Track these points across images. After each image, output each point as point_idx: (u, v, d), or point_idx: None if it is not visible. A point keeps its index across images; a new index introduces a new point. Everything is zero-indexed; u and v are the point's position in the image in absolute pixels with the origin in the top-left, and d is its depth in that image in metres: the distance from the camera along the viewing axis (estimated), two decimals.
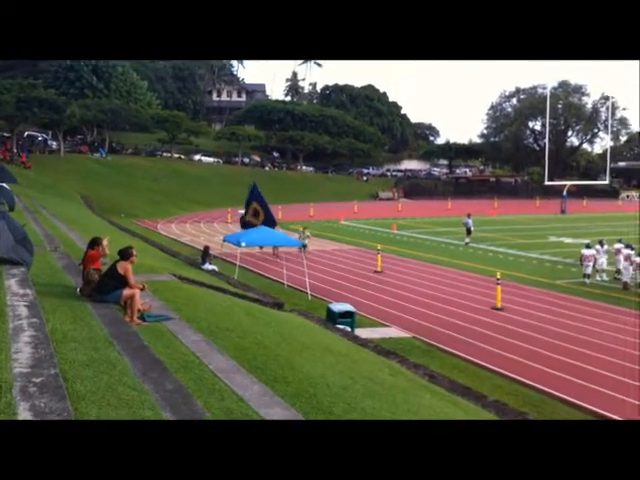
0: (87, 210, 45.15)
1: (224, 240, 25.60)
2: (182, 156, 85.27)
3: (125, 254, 10.02)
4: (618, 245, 25.33)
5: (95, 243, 11.22)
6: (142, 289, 10.03)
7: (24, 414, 4.82)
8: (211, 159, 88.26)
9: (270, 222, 28.69)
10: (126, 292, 9.55)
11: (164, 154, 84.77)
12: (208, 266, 23.23)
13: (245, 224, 30.23)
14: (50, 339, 7.12)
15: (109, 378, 6.21)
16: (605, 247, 25.44)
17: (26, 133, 74.46)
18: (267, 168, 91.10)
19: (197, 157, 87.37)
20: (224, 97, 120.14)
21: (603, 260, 25.28)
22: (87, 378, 6.10)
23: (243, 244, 23.26)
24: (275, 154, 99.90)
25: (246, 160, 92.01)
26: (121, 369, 6.60)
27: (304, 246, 29.29)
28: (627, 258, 23.87)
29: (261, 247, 30.06)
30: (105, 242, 11.46)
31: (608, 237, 28.81)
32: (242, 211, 46.66)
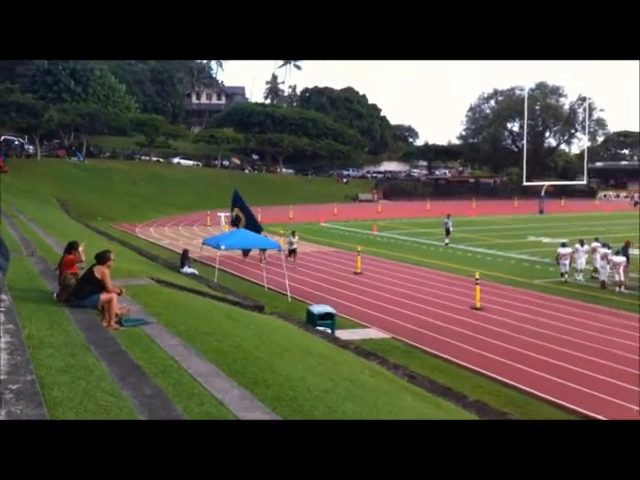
0: (64, 214, 44.76)
1: (203, 243, 25.48)
2: (161, 159, 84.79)
3: (102, 258, 9.92)
4: (595, 244, 25.62)
5: (72, 247, 11.13)
6: (120, 293, 9.94)
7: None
8: (190, 162, 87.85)
9: (253, 228, 28.03)
10: (103, 296, 9.45)
11: (142, 157, 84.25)
12: (187, 269, 23.12)
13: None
14: (26, 345, 7.03)
15: (86, 384, 6.14)
16: (585, 247, 25.65)
17: (2, 137, 73.63)
18: (247, 171, 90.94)
19: (176, 160, 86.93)
20: (203, 100, 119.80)
21: (582, 260, 25.50)
22: (64, 384, 6.02)
23: (223, 247, 23.17)
24: (255, 157, 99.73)
25: (225, 163, 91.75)
26: (98, 375, 6.53)
27: (293, 251, 29.14)
28: (604, 257, 24.11)
29: (245, 254, 29.85)
30: (81, 248, 11.37)
31: (586, 236, 29.11)
32: (225, 214, 46.82)
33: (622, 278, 23.10)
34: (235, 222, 30.03)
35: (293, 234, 30.20)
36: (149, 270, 18.55)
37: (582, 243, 25.82)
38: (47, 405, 5.32)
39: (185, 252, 24.65)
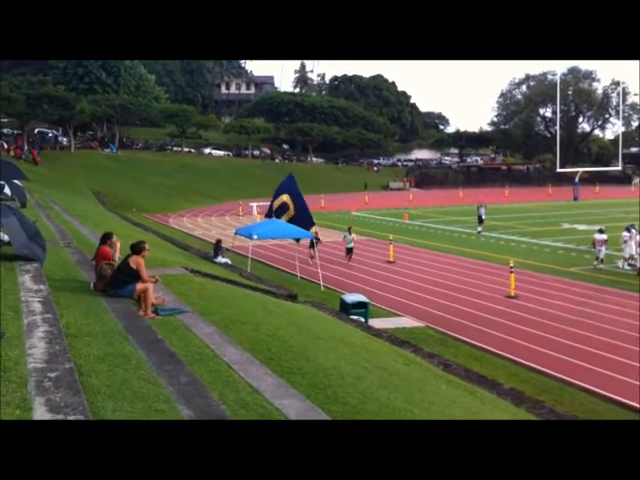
0: (99, 205, 45.30)
1: (236, 233, 25.58)
2: (192, 150, 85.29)
3: (137, 248, 10.02)
4: (632, 232, 25.14)
5: (107, 238, 11.25)
6: (155, 282, 10.04)
7: (39, 409, 4.82)
8: (221, 152, 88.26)
9: (303, 219, 24.93)
10: (139, 286, 9.56)
11: (174, 148, 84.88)
12: (221, 259, 23.24)
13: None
14: (64, 334, 7.14)
15: (124, 372, 6.22)
16: (634, 232, 25.02)
17: (36, 130, 74.72)
18: (277, 160, 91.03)
19: (207, 150, 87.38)
20: (233, 90, 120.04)
21: (630, 247, 24.81)
22: (102, 372, 6.11)
23: (255, 237, 23.23)
24: (285, 146, 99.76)
25: (256, 153, 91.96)
26: (136, 363, 6.61)
27: (350, 250, 26.77)
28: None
29: (312, 257, 25.67)
30: (117, 244, 11.47)
31: (621, 223, 28.61)
32: (256, 204, 47.12)
33: None
34: (279, 211, 25.78)
35: (350, 231, 27.29)
36: (183, 260, 18.70)
37: (629, 229, 25.23)
38: (86, 393, 5.40)
39: (218, 242, 24.76)
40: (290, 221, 24.77)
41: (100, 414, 5.05)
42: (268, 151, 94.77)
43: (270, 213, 26.36)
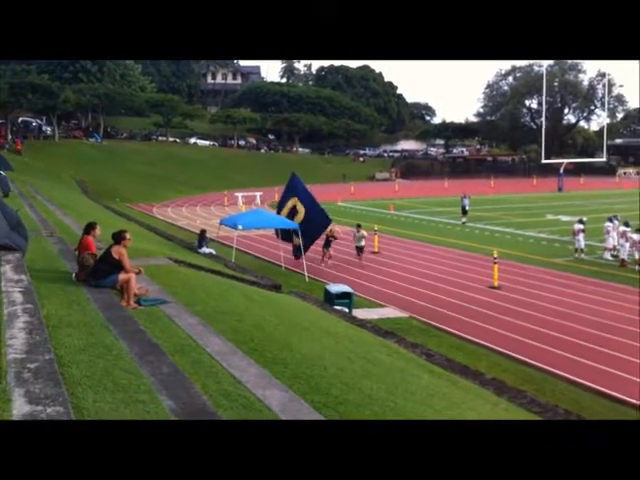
0: (82, 195, 45.00)
1: (221, 223, 25.52)
2: (177, 140, 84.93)
3: (119, 238, 9.96)
4: (613, 223, 25.36)
5: (90, 228, 11.17)
6: (138, 273, 9.98)
7: (19, 400, 4.78)
8: (207, 142, 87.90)
9: (317, 224, 23.02)
10: (122, 276, 9.50)
11: (159, 138, 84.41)
12: (205, 249, 23.18)
13: (283, 233, 24.45)
14: (45, 324, 7.08)
15: (105, 362, 6.19)
16: (616, 222, 25.21)
17: (20, 119, 74.00)
18: (263, 150, 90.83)
19: (193, 140, 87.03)
20: (219, 80, 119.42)
21: (615, 235, 25.01)
22: (83, 363, 6.07)
23: (240, 227, 23.18)
24: (271, 136, 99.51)
25: (242, 143, 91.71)
26: (117, 353, 6.58)
27: (361, 248, 24.42)
28: (623, 235, 23.89)
29: (327, 254, 24.32)
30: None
31: (605, 214, 28.82)
32: (242, 194, 47.18)
33: None
34: (288, 217, 23.82)
35: (359, 228, 25.12)
36: (167, 250, 18.63)
37: (611, 220, 25.43)
38: (66, 383, 5.37)
39: (202, 232, 24.69)
40: (303, 223, 23.00)
41: (80, 405, 5.03)
42: (254, 141, 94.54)
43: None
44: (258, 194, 47.95)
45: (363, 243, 24.56)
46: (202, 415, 5.26)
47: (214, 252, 23.11)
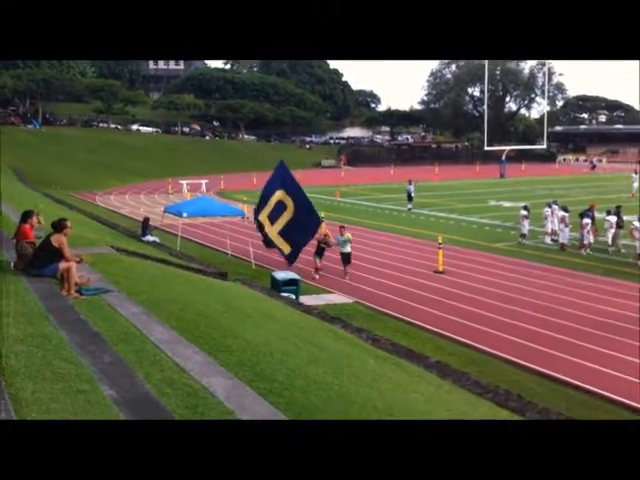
0: (19, 183, 43.77)
1: (165, 211, 25.18)
2: (119, 126, 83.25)
3: (58, 226, 9.75)
4: (553, 207, 25.99)
5: (28, 216, 10.90)
6: (79, 262, 9.79)
7: None
8: (150, 129, 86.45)
9: (307, 220, 20.02)
10: (62, 265, 9.30)
11: (100, 124, 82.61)
12: (149, 238, 22.84)
13: (265, 237, 21.03)
14: None
15: (44, 352, 6.06)
16: (555, 207, 25.82)
17: None
18: (207, 137, 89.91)
19: (135, 127, 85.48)
20: (161, 65, 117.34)
21: (555, 221, 25.64)
22: (21, 353, 5.93)
23: (185, 215, 22.94)
24: (215, 123, 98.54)
25: (186, 129, 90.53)
26: (57, 343, 6.44)
27: (347, 256, 19.96)
28: (562, 220, 24.50)
29: (320, 254, 20.30)
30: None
31: (545, 200, 29.49)
32: (187, 181, 46.52)
33: (591, 240, 23.46)
34: (274, 214, 20.48)
35: (342, 230, 20.55)
36: (110, 239, 18.30)
37: (550, 205, 26.04)
38: (4, 374, 5.23)
39: (146, 220, 24.31)
40: (290, 223, 20.08)
41: (19, 396, 4.91)
42: (198, 128, 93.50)
43: (258, 213, 21.09)
44: (203, 182, 47.49)
45: (349, 249, 20.03)
46: (145, 404, 5.20)
47: (158, 240, 22.81)
